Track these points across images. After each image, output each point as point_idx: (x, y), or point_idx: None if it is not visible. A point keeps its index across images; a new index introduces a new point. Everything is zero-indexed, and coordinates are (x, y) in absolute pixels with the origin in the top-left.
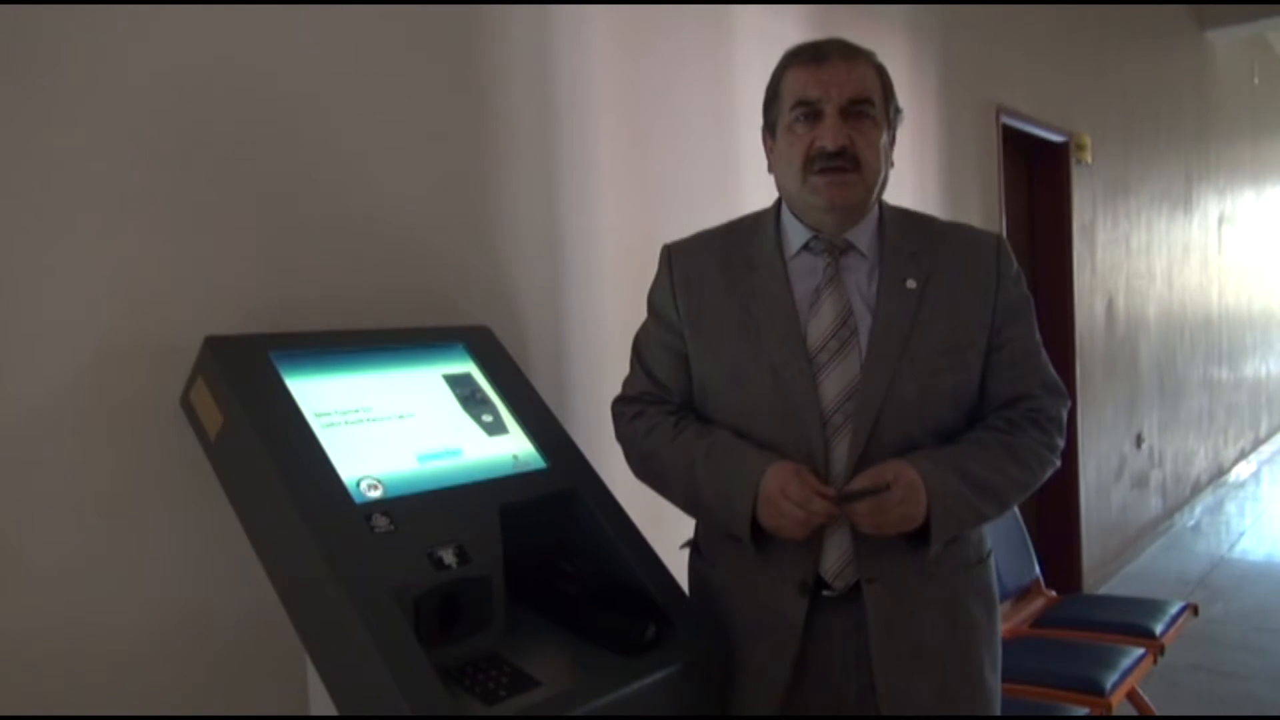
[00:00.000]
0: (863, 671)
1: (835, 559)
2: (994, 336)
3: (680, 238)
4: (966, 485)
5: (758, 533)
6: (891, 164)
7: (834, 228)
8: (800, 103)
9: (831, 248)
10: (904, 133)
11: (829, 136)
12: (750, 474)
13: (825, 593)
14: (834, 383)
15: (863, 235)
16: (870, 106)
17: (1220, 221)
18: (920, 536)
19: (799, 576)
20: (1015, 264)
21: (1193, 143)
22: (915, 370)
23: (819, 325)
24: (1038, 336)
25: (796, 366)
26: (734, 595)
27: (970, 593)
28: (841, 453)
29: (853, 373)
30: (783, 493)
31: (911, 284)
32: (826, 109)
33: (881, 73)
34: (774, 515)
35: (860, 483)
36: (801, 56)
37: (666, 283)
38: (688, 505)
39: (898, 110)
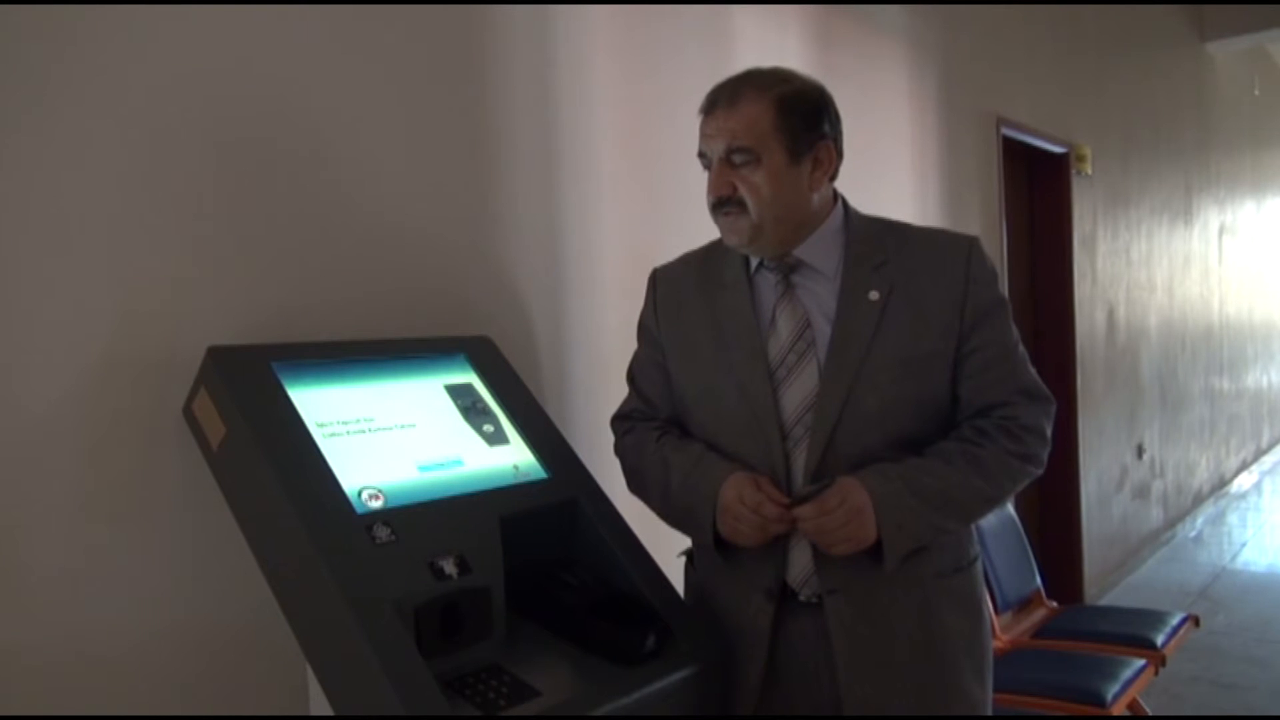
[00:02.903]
0: (833, 678)
1: (799, 570)
2: (963, 343)
3: (677, 250)
4: (920, 500)
5: (724, 542)
6: (815, 187)
7: (758, 255)
8: (700, 156)
9: (781, 264)
10: (905, 144)
11: (709, 189)
12: (711, 484)
13: (801, 598)
14: (793, 396)
15: (813, 251)
16: (745, 154)
17: (1221, 232)
18: (881, 550)
19: (765, 585)
20: (989, 267)
21: (1193, 154)
22: (875, 381)
23: (777, 340)
24: (1014, 340)
25: (758, 380)
26: (714, 602)
27: (945, 602)
28: (800, 464)
29: (811, 385)
30: (740, 499)
31: (874, 295)
32: (713, 160)
33: (780, 102)
34: (730, 522)
35: (805, 490)
36: (701, 108)
37: (651, 305)
38: (664, 515)
39: (810, 128)
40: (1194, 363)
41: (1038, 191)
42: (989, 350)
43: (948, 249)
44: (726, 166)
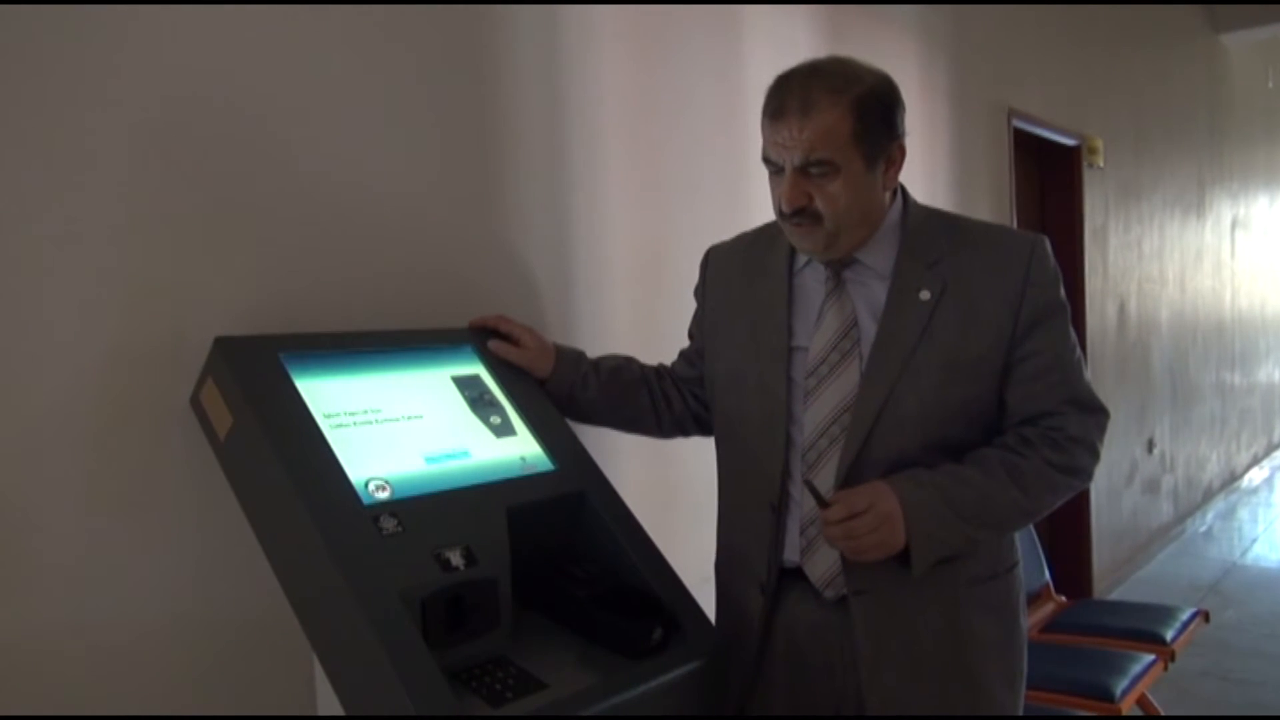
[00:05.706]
0: (854, 676)
1: (824, 570)
2: (1015, 348)
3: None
4: (952, 508)
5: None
6: (888, 186)
7: (828, 259)
8: (766, 160)
9: (833, 260)
10: (915, 136)
11: (784, 199)
12: None
13: (826, 595)
14: (831, 395)
15: (869, 250)
16: (823, 166)
17: (1233, 225)
18: (909, 555)
19: (759, 577)
20: (1051, 269)
21: (1206, 146)
22: (918, 384)
23: (821, 337)
24: (1069, 348)
25: (780, 380)
26: (721, 588)
27: (977, 608)
28: (831, 466)
29: (850, 385)
30: None
31: (925, 295)
32: (785, 169)
33: (858, 107)
34: None
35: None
36: (767, 109)
37: (701, 283)
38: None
39: (886, 130)
40: (1205, 357)
41: (1049, 184)
42: (1041, 357)
43: (1009, 248)
44: (802, 177)
